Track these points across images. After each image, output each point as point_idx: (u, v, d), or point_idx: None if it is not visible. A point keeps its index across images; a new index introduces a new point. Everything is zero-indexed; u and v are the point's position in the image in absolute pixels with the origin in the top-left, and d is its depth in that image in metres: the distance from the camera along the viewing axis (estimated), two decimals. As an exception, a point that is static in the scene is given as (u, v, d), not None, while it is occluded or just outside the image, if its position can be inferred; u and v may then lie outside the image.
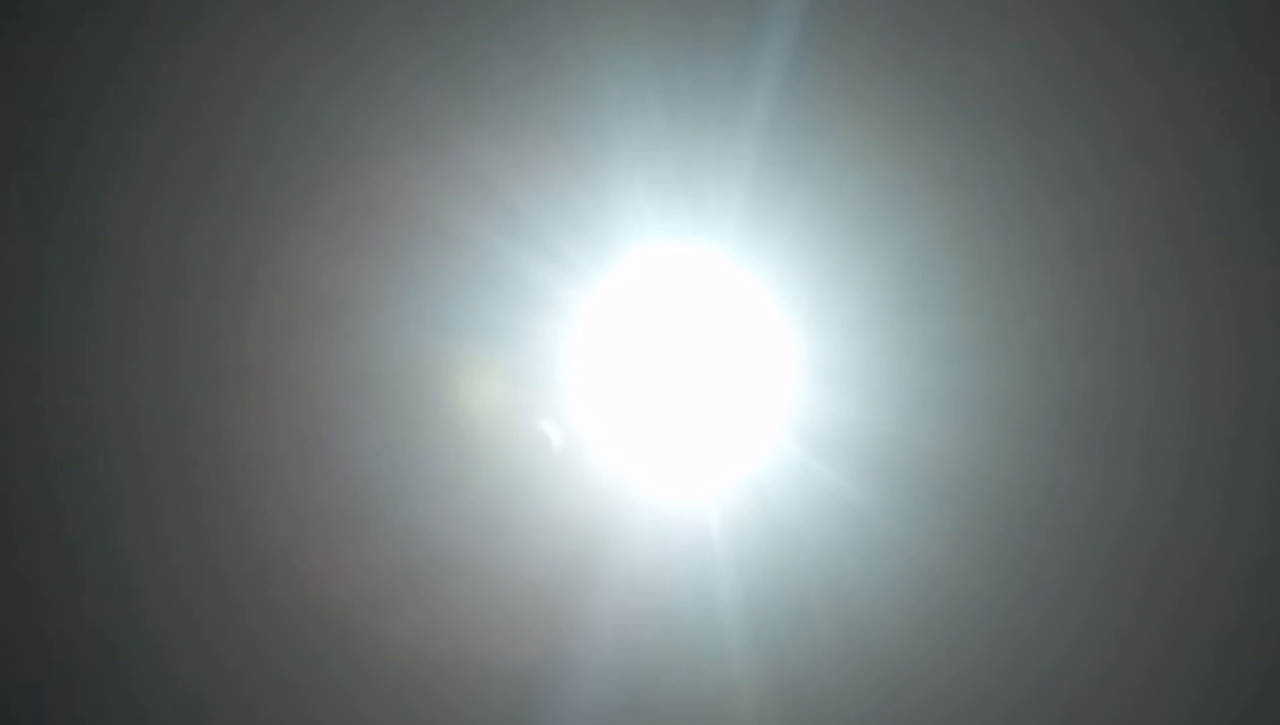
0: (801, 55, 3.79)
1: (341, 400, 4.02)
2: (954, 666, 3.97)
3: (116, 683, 4.11)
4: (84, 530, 4.07)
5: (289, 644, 4.09)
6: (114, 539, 4.08)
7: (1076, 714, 4.03)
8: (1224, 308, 3.85)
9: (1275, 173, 3.83)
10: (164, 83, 3.95)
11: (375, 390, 4.00)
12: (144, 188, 3.97)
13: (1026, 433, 3.91)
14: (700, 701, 3.99)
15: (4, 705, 4.09)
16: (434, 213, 3.94)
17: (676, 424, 4.06)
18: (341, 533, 4.06)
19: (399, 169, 3.90)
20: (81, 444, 4.05)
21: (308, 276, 3.98)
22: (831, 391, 3.97)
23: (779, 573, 3.97)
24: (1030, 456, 3.95)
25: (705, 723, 4.03)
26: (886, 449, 3.94)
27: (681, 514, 4.02)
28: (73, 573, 4.07)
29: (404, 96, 3.93)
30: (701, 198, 3.91)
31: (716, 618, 3.96)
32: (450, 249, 3.93)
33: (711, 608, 3.96)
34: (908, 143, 3.93)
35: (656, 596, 3.97)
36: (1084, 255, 3.85)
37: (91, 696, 4.12)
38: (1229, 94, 3.78)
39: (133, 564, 4.08)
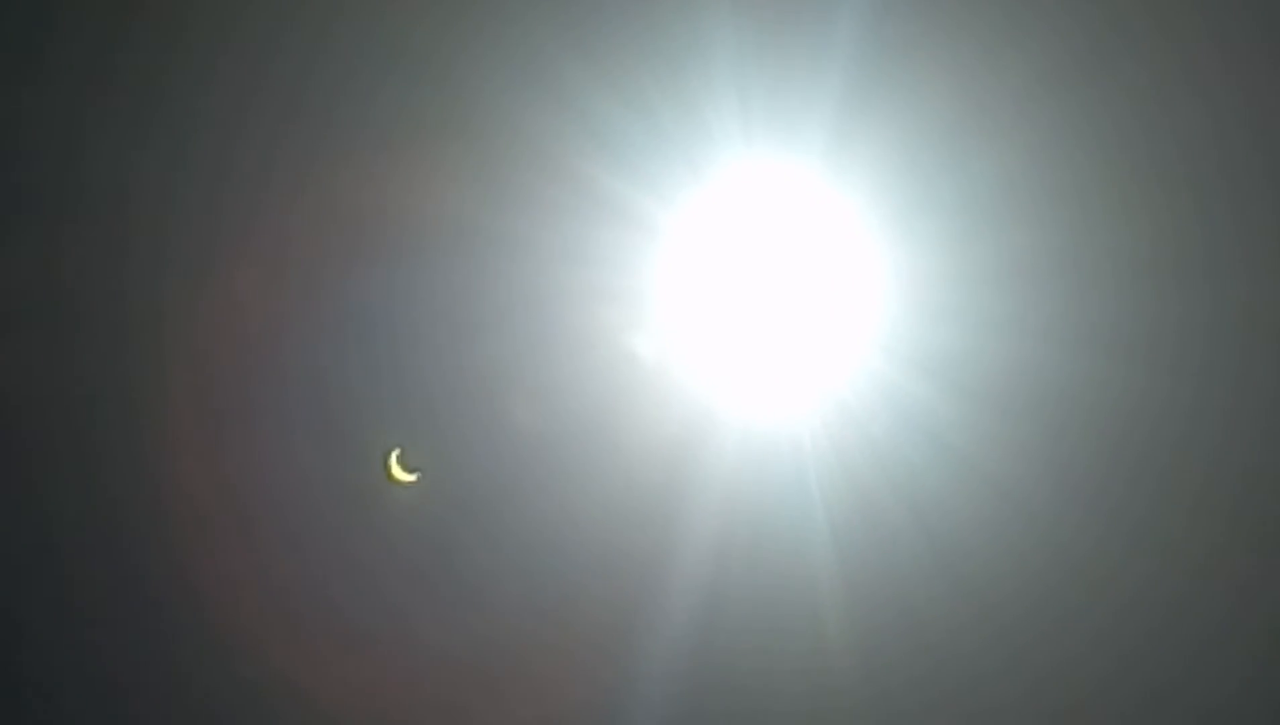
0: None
1: (440, 320, 4.08)
2: (1027, 578, 4.03)
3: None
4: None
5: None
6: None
7: (1154, 639, 4.08)
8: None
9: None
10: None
11: (471, 311, 4.07)
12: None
13: (1115, 355, 3.94)
14: (787, 617, 4.08)
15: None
16: (524, 132, 3.97)
17: (766, 343, 4.10)
18: (443, 438, 4.15)
19: (489, 90, 3.93)
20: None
21: (408, 201, 4.03)
22: (919, 311, 4.00)
23: (865, 490, 4.03)
24: (1119, 379, 3.97)
25: (793, 639, 4.12)
26: (975, 370, 3.97)
27: (771, 430, 4.08)
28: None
29: (490, 18, 3.95)
30: (790, 116, 3.92)
31: (804, 534, 4.03)
32: (540, 168, 3.96)
33: (799, 524, 4.03)
34: (994, 64, 3.91)
35: (746, 512, 4.05)
36: (1175, 177, 3.84)
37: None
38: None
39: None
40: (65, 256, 4.05)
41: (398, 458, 4.10)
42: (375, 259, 4.00)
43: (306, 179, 3.95)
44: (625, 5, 3.91)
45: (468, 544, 4.13)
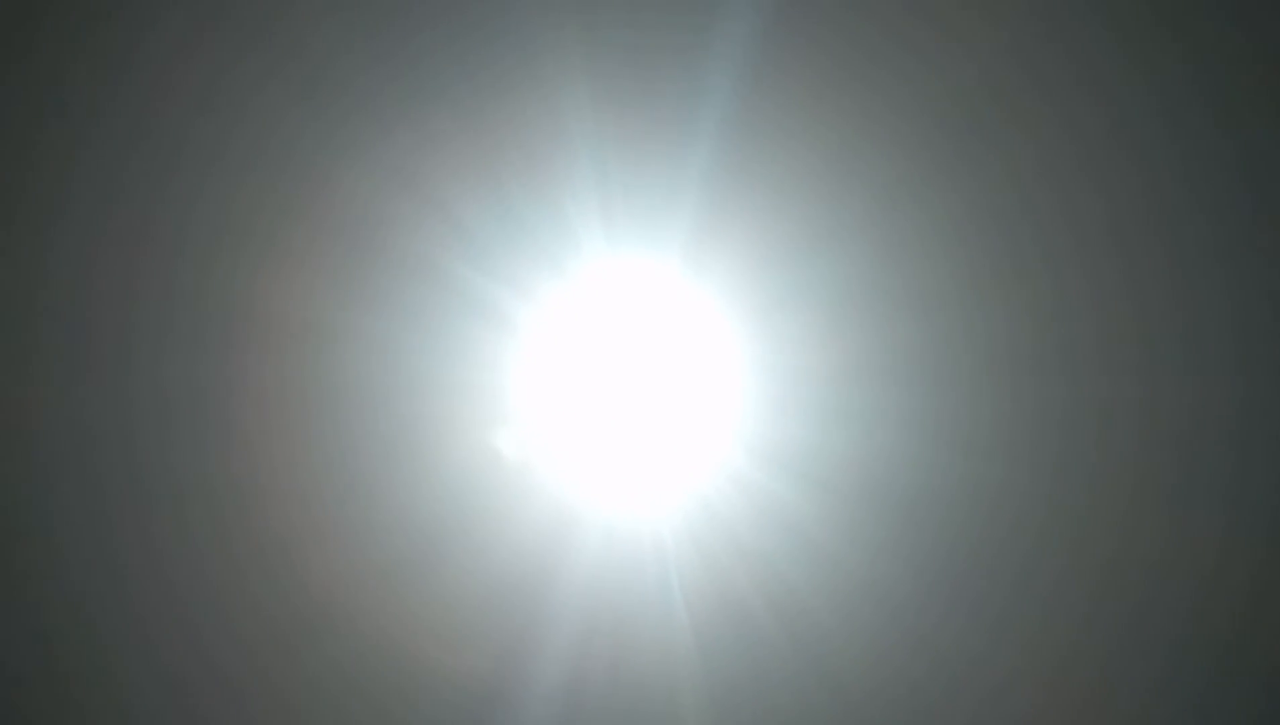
0: (750, 72, 3.81)
1: (301, 414, 4.03)
2: (897, 680, 4.02)
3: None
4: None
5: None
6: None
7: (994, 711, 4.07)
8: (1176, 322, 3.89)
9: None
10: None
11: (331, 407, 4.02)
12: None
13: (973, 450, 3.96)
14: (648, 710, 4.03)
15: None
16: (384, 233, 3.95)
17: (627, 438, 4.08)
18: (300, 541, 4.08)
19: (348, 189, 3.91)
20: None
21: (263, 297, 3.99)
22: (780, 407, 4.00)
23: (726, 585, 4.00)
24: (976, 473, 3.99)
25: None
26: (833, 465, 3.98)
27: (631, 526, 4.05)
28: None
29: (353, 114, 3.93)
30: (651, 214, 3.93)
31: (664, 627, 3.99)
32: (401, 268, 3.94)
33: (660, 618, 4.00)
34: (858, 159, 3.95)
35: (607, 605, 4.01)
36: (1031, 273, 3.89)
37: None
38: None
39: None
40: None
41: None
42: (228, 349, 3.94)
43: (151, 269, 3.89)
44: (483, 98, 3.91)
45: (323, 652, 4.05)
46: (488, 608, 4.02)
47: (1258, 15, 3.82)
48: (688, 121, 3.89)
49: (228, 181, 3.98)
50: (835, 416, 3.96)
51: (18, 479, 3.97)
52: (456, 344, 3.96)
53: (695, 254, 3.95)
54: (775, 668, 3.99)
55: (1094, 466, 3.96)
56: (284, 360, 3.98)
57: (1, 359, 3.96)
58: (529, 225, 3.93)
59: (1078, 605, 3.96)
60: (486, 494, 4.01)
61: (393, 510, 4.02)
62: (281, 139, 3.95)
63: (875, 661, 4.00)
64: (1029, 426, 3.96)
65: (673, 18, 3.89)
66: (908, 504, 3.97)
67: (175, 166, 3.99)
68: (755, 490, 3.99)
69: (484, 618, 4.03)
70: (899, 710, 4.00)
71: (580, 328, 4.02)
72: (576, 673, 4.06)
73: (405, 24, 3.92)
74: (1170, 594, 3.93)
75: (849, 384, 3.96)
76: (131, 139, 4.00)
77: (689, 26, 3.87)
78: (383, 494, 4.03)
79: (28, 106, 3.90)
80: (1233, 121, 3.83)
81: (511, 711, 4.00)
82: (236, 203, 3.98)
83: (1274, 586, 3.91)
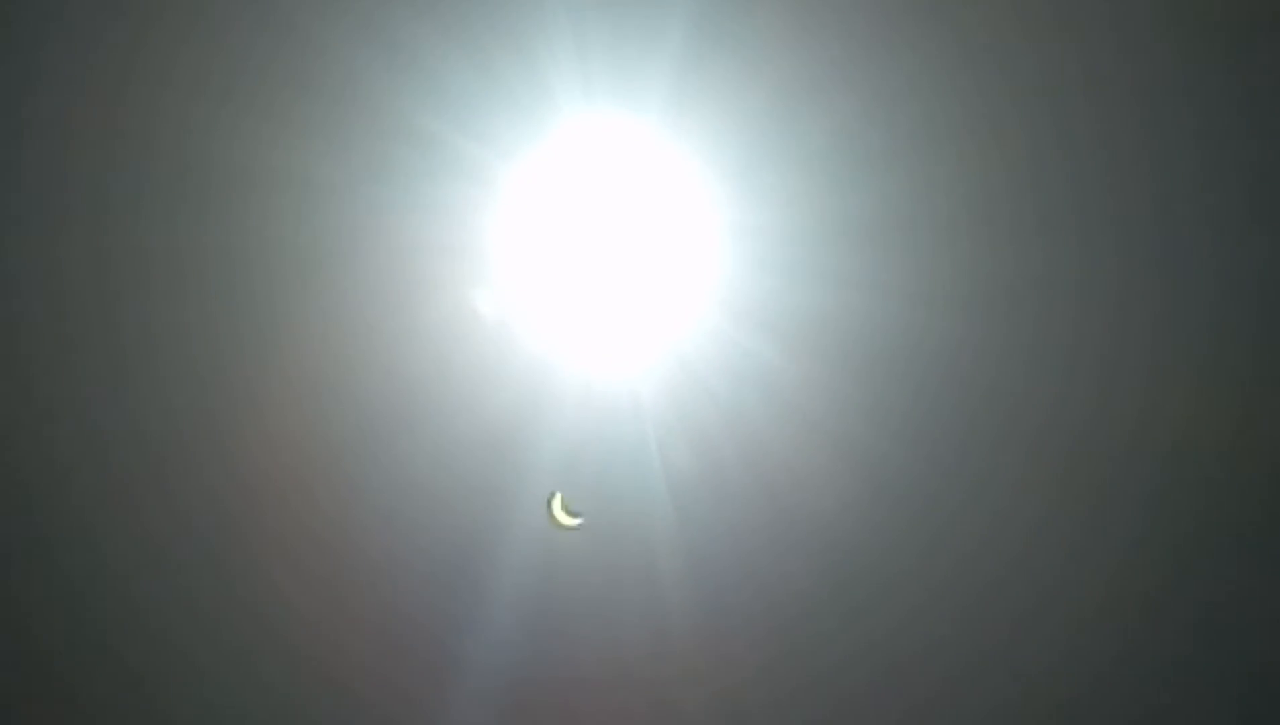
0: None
1: (277, 274, 4.01)
2: (876, 536, 4.02)
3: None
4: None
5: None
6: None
7: (994, 592, 4.09)
8: (1147, 180, 3.87)
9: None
10: None
11: (309, 265, 4.00)
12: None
13: (949, 307, 3.94)
14: (624, 572, 4.04)
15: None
16: (360, 89, 3.91)
17: (605, 297, 4.06)
18: (276, 404, 4.08)
19: (322, 39, 3.87)
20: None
21: (239, 154, 3.96)
22: (759, 266, 3.98)
23: (704, 443, 4.00)
24: (956, 332, 3.97)
25: (632, 599, 4.08)
26: (811, 323, 3.96)
27: (609, 384, 4.04)
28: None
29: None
30: (629, 69, 3.89)
31: (641, 484, 4.00)
32: (375, 123, 3.91)
33: (637, 475, 4.00)
34: (839, 15, 3.91)
35: (585, 462, 4.01)
36: (1005, 127, 3.85)
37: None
38: None
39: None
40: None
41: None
42: (205, 209, 3.92)
43: (120, 127, 3.86)
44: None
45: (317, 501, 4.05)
46: (466, 467, 4.02)
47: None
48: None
49: (210, 41, 3.94)
50: (815, 276, 3.94)
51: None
52: (433, 202, 3.93)
53: (674, 111, 3.91)
54: (751, 524, 3.99)
55: (1073, 324, 3.95)
56: (260, 220, 3.97)
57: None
58: (506, 81, 3.89)
59: (1057, 461, 3.95)
60: (464, 353, 4.00)
61: (369, 370, 4.02)
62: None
63: (853, 519, 4.00)
64: (1009, 285, 3.94)
65: None
66: (886, 362, 3.96)
67: (154, 25, 3.96)
68: (733, 349, 3.97)
69: (462, 478, 4.03)
70: (877, 566, 4.01)
71: (557, 185, 3.99)
72: (552, 538, 4.06)
73: None
74: (1153, 448, 3.92)
75: (829, 243, 3.93)
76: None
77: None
78: (359, 354, 4.02)
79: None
80: None
81: (490, 567, 4.01)
82: (217, 61, 3.94)
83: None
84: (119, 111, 3.96)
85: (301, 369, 4.05)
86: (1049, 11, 3.79)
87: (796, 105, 3.92)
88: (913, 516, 4.01)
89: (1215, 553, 4.02)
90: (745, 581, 4.04)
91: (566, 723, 4.13)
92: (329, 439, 4.02)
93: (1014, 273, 3.92)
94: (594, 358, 4.06)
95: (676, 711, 4.12)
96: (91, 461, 4.05)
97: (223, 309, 4.03)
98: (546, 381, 4.00)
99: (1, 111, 3.93)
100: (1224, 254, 3.94)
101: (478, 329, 4.01)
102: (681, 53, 3.88)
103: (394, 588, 4.11)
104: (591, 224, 4.03)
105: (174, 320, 4.03)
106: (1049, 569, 3.99)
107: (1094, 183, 3.86)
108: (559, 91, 3.91)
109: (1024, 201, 3.90)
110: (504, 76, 3.89)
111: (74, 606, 4.17)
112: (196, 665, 4.19)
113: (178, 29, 3.94)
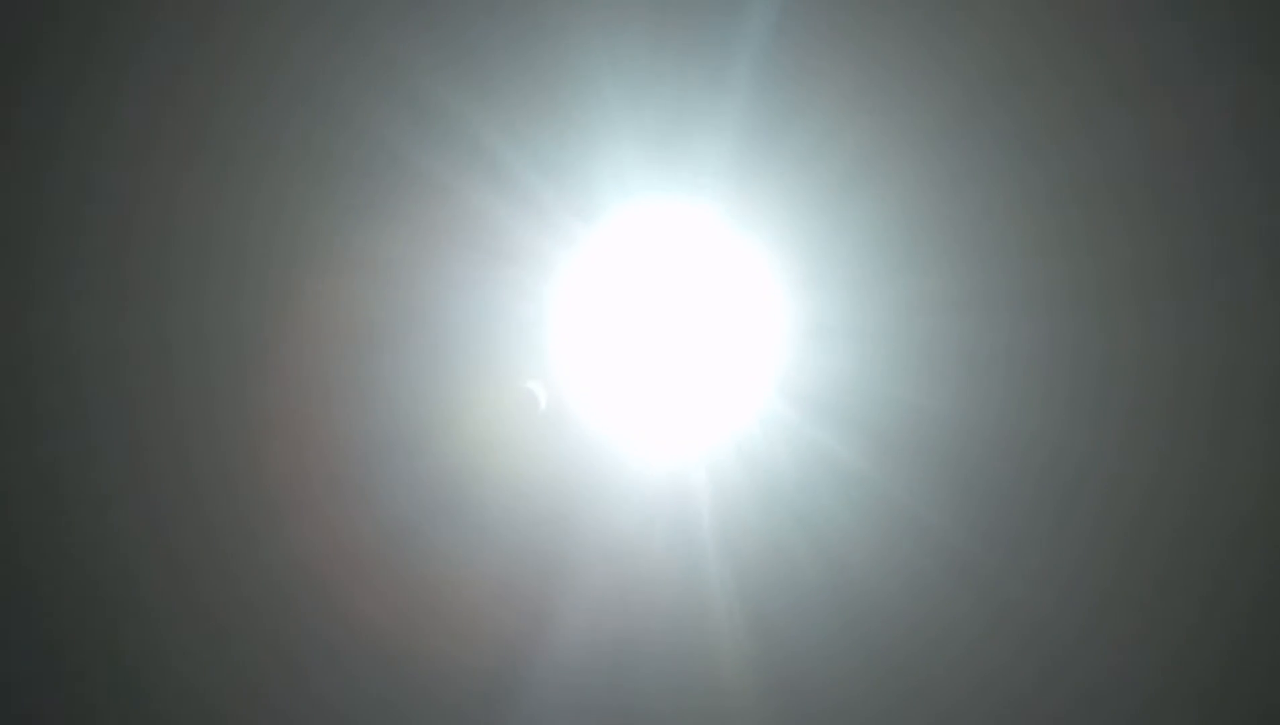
0: (790, 9, 3.80)
1: (331, 360, 4.01)
2: (941, 623, 3.98)
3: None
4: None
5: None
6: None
7: (1059, 678, 4.04)
8: (1212, 254, 3.84)
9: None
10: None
11: (363, 348, 4.00)
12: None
13: (1016, 387, 3.91)
14: (685, 661, 3.99)
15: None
16: (421, 170, 3.93)
17: (664, 383, 4.05)
18: (326, 495, 4.05)
19: (384, 128, 3.90)
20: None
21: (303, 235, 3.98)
22: (819, 349, 3.97)
23: (765, 531, 3.97)
24: (1019, 412, 3.94)
25: (691, 682, 4.03)
26: (875, 407, 3.94)
27: (669, 473, 4.02)
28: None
29: (391, 57, 3.92)
30: (691, 153, 3.91)
31: (702, 577, 3.96)
32: (437, 206, 3.93)
33: (697, 567, 3.96)
34: (897, 99, 3.92)
35: (642, 555, 3.97)
36: (1069, 205, 3.85)
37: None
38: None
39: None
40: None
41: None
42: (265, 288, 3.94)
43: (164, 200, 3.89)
44: (526, 43, 3.90)
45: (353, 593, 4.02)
46: (522, 550, 3.99)
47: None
48: (727, 59, 3.87)
49: (275, 131, 3.96)
50: (876, 359, 3.93)
51: (59, 407, 3.96)
52: (494, 284, 3.94)
53: (734, 195, 3.92)
54: (814, 607, 3.95)
55: (1133, 411, 3.92)
56: (321, 298, 3.98)
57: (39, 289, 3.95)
58: (567, 165, 3.91)
59: (1117, 545, 3.91)
60: (523, 437, 3.99)
61: (426, 453, 4.00)
62: (323, 83, 3.94)
63: (914, 599, 3.95)
64: (1069, 371, 3.92)
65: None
66: (949, 444, 3.93)
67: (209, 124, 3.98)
68: (794, 434, 3.95)
69: (518, 561, 4.00)
70: (941, 647, 3.96)
71: (615, 270, 4.00)
72: (610, 620, 4.02)
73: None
74: (1211, 535, 3.89)
75: (890, 325, 3.92)
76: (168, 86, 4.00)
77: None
78: (415, 436, 4.00)
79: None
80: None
81: (548, 657, 3.97)
82: (282, 154, 3.97)
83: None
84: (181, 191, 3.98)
85: (356, 451, 4.04)
86: (1114, 97, 3.80)
87: (859, 188, 3.92)
88: (977, 595, 3.97)
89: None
90: (810, 670, 3.99)
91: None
92: (382, 526, 4.00)
93: (1075, 358, 3.90)
94: (652, 440, 4.05)
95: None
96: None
97: (280, 380, 4.02)
98: (607, 466, 3.99)
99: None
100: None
101: (536, 410, 3.99)
102: (741, 136, 3.90)
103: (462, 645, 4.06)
104: (649, 307, 4.03)
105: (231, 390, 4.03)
106: (1112, 647, 3.95)
107: (1155, 262, 3.85)
108: (620, 173, 3.93)
109: (1085, 288, 3.89)
110: (565, 159, 3.91)
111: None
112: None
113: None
